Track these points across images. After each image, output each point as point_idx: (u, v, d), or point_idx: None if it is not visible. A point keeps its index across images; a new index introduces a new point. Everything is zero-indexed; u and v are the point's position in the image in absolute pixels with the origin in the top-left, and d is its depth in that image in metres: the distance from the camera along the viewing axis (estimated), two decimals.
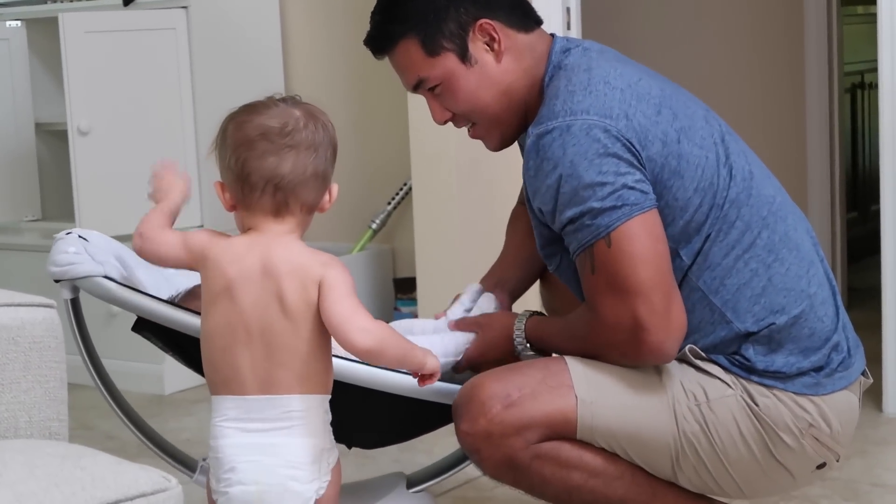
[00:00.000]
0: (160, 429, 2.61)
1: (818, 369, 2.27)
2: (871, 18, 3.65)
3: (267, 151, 2.00)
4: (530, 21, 2.37)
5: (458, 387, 2.33)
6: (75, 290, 2.41)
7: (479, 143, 2.46)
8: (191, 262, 2.08)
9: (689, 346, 2.26)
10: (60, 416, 2.02)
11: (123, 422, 2.57)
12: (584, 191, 2.15)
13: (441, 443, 2.40)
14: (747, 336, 2.25)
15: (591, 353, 2.25)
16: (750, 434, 2.24)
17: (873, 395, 3.56)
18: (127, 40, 4.18)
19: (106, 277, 2.35)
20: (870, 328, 3.55)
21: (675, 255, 2.23)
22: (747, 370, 2.25)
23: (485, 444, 2.22)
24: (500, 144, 2.42)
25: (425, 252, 3.94)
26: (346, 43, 4.43)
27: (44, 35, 4.57)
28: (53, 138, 4.66)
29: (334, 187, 2.08)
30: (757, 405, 2.24)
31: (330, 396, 2.07)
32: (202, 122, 4.23)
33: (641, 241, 2.15)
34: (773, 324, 2.24)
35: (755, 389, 2.24)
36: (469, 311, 2.51)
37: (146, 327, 2.38)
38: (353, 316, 2.00)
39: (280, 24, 4.54)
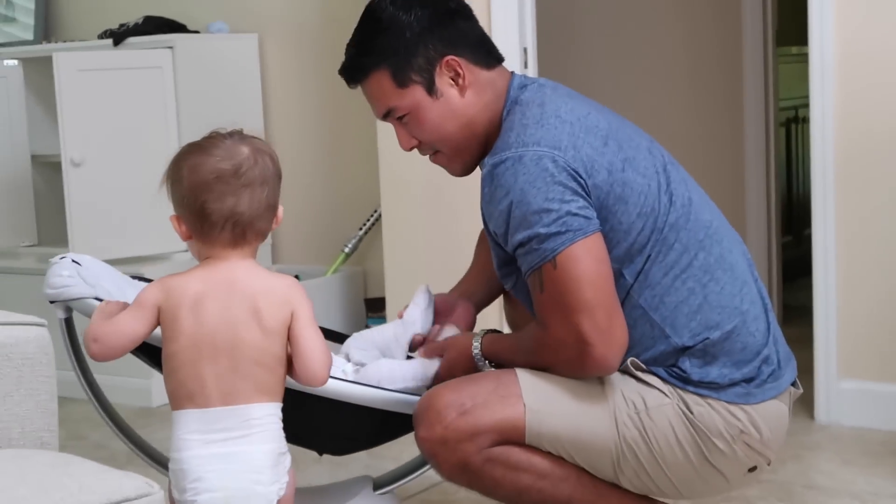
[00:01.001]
0: (149, 438, 2.60)
1: (749, 380, 2.28)
2: (804, 58, 3.68)
3: (224, 193, 2.02)
4: (492, 59, 2.38)
5: (416, 398, 2.34)
6: (69, 310, 2.41)
7: (443, 171, 2.47)
8: (156, 316, 2.05)
9: (630, 358, 2.27)
10: (51, 427, 2.01)
11: (113, 430, 2.56)
12: (532, 216, 2.16)
13: (408, 450, 2.41)
14: (684, 350, 2.26)
15: (541, 366, 2.27)
16: (686, 440, 2.26)
17: (806, 405, 3.59)
18: (117, 78, 4.17)
19: (97, 299, 2.34)
20: (802, 343, 3.57)
21: (619, 274, 2.24)
22: (684, 381, 2.26)
23: (441, 448, 2.24)
24: (462, 171, 2.43)
25: (394, 273, 3.95)
26: (320, 80, 4.44)
27: (39, 73, 4.56)
28: (48, 169, 4.64)
29: (280, 210, 2.11)
30: (692, 413, 2.25)
31: (282, 404, 2.09)
32: None
33: (585, 263, 2.16)
34: (708, 338, 2.25)
35: (691, 399, 2.26)
36: (425, 309, 2.52)
37: None
38: (327, 356, 2.06)
39: (259, 62, 4.55)
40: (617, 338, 2.18)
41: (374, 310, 4.31)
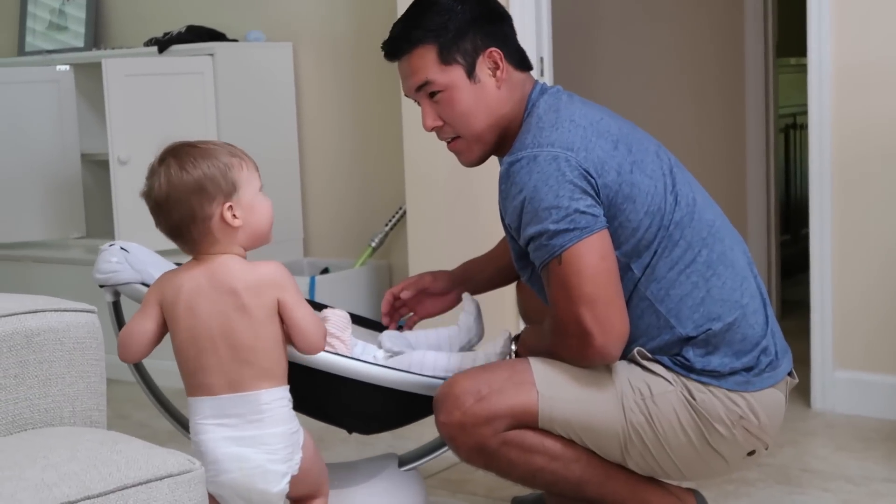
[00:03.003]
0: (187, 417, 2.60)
1: (748, 369, 2.28)
2: (803, 69, 3.66)
3: (151, 212, 2.09)
4: (525, 65, 2.39)
5: (441, 382, 2.34)
6: (116, 294, 2.42)
7: (466, 171, 2.45)
8: (160, 311, 2.08)
9: (636, 348, 2.27)
10: (100, 407, 2.01)
11: (156, 406, 2.56)
12: (542, 212, 2.17)
13: (429, 430, 2.40)
14: (688, 340, 2.26)
15: (553, 354, 2.28)
16: (688, 425, 2.25)
17: (803, 393, 3.57)
18: (161, 83, 4.18)
19: (143, 284, 2.35)
20: (800, 335, 3.55)
21: (627, 268, 2.24)
22: (687, 369, 2.26)
23: (459, 432, 2.24)
24: (475, 161, 2.41)
25: (418, 267, 3.93)
26: (350, 86, 4.43)
27: (89, 78, 4.57)
28: (97, 167, 4.65)
29: (224, 209, 2.05)
30: (695, 399, 2.25)
31: (289, 386, 2.09)
32: None
33: (588, 259, 2.17)
34: (710, 329, 2.25)
35: (693, 386, 2.25)
36: (477, 317, 2.52)
37: None
38: (320, 328, 2.09)
39: (293, 69, 4.54)
40: (616, 330, 2.19)
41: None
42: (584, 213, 2.17)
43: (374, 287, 4.39)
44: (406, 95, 2.39)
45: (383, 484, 2.51)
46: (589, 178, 2.19)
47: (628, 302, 2.24)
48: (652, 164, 2.29)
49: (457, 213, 3.88)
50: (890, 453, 3.10)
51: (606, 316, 2.17)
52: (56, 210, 4.53)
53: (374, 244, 4.36)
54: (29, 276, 4.51)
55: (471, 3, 2.33)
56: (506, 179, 2.24)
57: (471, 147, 2.37)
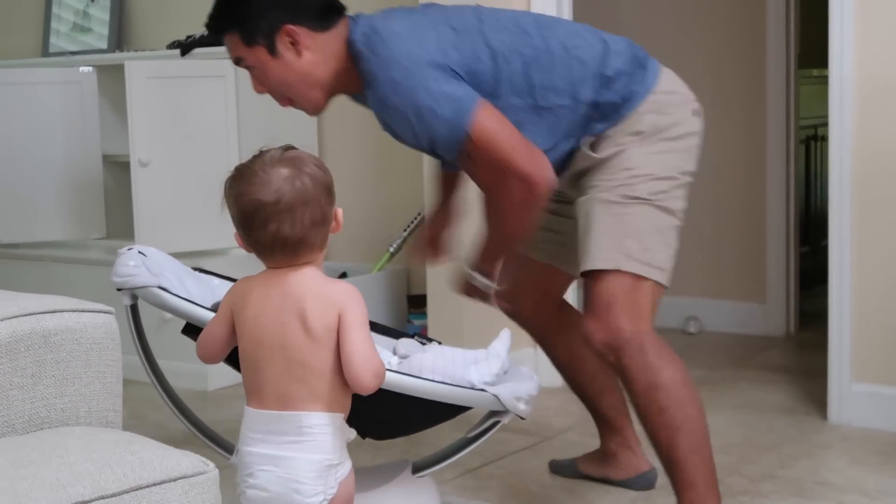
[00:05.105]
0: (204, 420, 2.61)
1: (634, 66, 2.70)
2: (824, 80, 3.65)
3: (266, 220, 1.94)
4: (328, 21, 2.56)
5: (467, 391, 2.32)
6: (134, 297, 2.42)
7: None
8: (230, 316, 2.04)
9: (581, 140, 2.56)
10: (116, 407, 2.02)
11: (173, 411, 2.56)
12: (427, 112, 2.41)
13: (445, 436, 2.39)
14: (595, 105, 2.55)
15: (514, 223, 2.52)
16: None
17: (819, 406, 3.56)
18: (183, 85, 4.20)
19: (160, 288, 2.35)
20: (818, 347, 3.54)
21: (526, 109, 2.50)
22: (615, 111, 2.57)
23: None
24: (319, 110, 2.65)
25: (435, 272, 3.94)
26: None
27: (112, 79, 4.60)
28: (118, 168, 4.67)
29: (338, 213, 2.04)
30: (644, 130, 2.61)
31: (345, 415, 2.02)
32: (245, 157, 4.22)
33: (490, 124, 2.44)
34: (606, 75, 2.57)
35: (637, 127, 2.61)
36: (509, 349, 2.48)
37: (193, 331, 2.38)
38: (370, 359, 1.96)
39: None
40: (544, 161, 2.44)
41: (416, 306, 4.30)
42: (456, 89, 2.39)
43: (392, 292, 4.40)
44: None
45: (397, 489, 2.49)
46: (439, 66, 2.41)
47: (545, 123, 2.49)
48: (468, 35, 2.50)
49: (474, 219, 3.88)
50: None
51: (530, 155, 2.42)
52: (76, 211, 4.55)
53: (392, 249, 4.37)
54: (48, 276, 4.53)
55: None
56: (383, 108, 2.47)
57: (304, 104, 2.61)
